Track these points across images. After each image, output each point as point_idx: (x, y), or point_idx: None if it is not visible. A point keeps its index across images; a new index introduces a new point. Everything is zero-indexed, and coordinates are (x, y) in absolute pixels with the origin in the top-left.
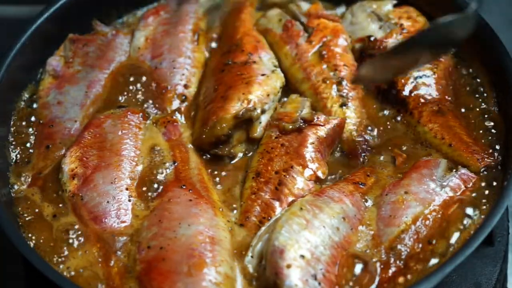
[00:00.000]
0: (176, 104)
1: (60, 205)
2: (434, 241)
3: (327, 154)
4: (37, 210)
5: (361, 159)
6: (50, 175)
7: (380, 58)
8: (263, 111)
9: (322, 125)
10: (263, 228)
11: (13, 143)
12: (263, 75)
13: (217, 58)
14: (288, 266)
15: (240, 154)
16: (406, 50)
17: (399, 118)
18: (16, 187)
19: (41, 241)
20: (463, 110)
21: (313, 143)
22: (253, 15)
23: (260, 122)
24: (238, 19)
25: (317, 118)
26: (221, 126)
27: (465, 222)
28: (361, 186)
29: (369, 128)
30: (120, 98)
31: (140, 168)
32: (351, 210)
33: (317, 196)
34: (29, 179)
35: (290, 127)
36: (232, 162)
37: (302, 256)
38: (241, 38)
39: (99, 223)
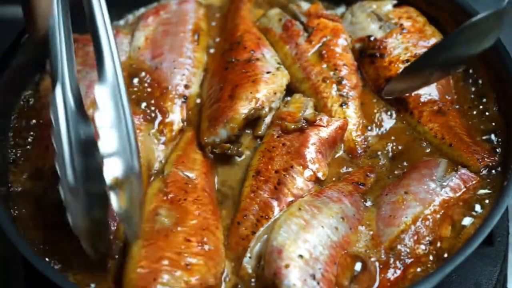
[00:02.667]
0: (177, 104)
1: (59, 203)
2: (434, 241)
3: (329, 155)
4: (36, 209)
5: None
6: (50, 173)
7: (411, 68)
8: (270, 109)
9: (324, 126)
10: (261, 229)
11: (13, 142)
12: (268, 72)
13: (219, 55)
14: (287, 266)
15: (248, 152)
16: (436, 55)
17: (398, 118)
18: (15, 186)
19: (39, 238)
20: (463, 110)
21: (314, 144)
22: (252, 11)
23: (264, 120)
24: (237, 16)
25: (320, 119)
26: (231, 126)
27: (465, 222)
28: (360, 186)
29: (369, 127)
30: None
31: None
32: (350, 210)
33: (316, 196)
34: (28, 178)
35: (292, 127)
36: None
37: (301, 256)
38: (242, 36)
39: None
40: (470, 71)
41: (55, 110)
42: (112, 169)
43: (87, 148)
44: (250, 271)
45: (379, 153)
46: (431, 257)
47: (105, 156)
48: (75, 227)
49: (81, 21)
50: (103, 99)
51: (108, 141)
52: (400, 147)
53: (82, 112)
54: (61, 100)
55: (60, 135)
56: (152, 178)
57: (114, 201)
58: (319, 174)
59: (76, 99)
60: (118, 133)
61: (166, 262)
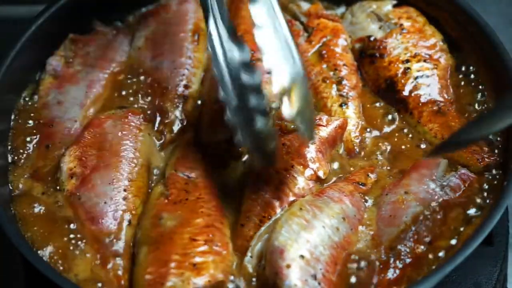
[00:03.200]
0: (177, 104)
1: (59, 204)
2: (434, 241)
3: (329, 154)
4: (36, 209)
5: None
6: (50, 174)
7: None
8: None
9: (323, 126)
10: (262, 228)
11: (13, 142)
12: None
13: None
14: (288, 266)
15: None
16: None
17: (398, 118)
18: (15, 186)
19: (39, 238)
20: (462, 109)
21: (314, 143)
22: None
23: None
24: (237, 16)
25: (319, 118)
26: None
27: (465, 222)
28: (361, 186)
29: (368, 129)
30: (120, 98)
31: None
32: (351, 210)
33: (317, 196)
34: (29, 179)
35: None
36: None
37: (302, 256)
38: (242, 36)
39: (96, 224)
40: (470, 70)
41: (210, 39)
42: (278, 79)
43: (245, 69)
44: (251, 270)
45: (378, 153)
46: (431, 257)
47: (270, 69)
48: (245, 142)
49: (81, 21)
50: (259, 17)
51: (271, 54)
52: (399, 147)
53: (234, 38)
54: (215, 29)
55: (218, 61)
56: (153, 182)
57: (286, 106)
58: (320, 173)
59: (228, 28)
60: (278, 44)
61: (172, 264)
